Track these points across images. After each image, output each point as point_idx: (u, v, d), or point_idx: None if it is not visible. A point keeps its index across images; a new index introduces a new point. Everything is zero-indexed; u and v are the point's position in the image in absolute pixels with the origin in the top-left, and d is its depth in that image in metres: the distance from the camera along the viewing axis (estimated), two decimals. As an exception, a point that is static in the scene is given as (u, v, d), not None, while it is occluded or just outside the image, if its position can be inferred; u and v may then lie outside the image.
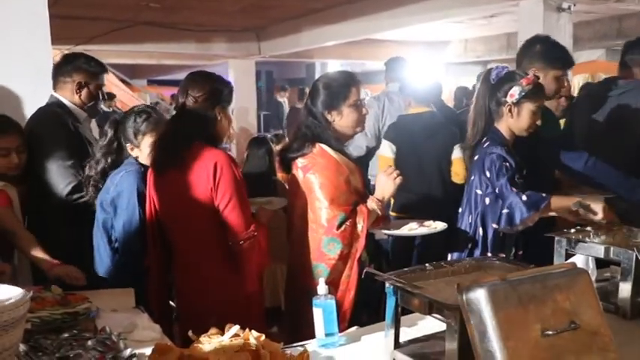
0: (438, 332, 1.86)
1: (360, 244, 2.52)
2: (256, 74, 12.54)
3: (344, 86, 2.60)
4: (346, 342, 1.97)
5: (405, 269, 1.93)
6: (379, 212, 2.58)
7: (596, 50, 3.26)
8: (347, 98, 2.59)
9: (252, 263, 2.43)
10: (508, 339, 1.42)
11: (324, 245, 2.50)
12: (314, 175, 2.53)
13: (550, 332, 1.46)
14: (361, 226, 2.51)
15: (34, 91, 3.40)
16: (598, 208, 2.47)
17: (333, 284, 2.44)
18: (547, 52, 3.01)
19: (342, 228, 2.49)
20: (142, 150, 2.71)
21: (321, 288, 1.95)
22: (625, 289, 2.11)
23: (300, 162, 2.59)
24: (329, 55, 12.46)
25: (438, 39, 12.00)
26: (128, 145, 2.75)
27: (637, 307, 2.10)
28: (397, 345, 1.84)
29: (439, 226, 2.67)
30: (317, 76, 13.69)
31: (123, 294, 2.37)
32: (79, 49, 8.72)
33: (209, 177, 2.33)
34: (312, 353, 1.77)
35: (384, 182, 2.60)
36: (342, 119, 2.60)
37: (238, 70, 11.46)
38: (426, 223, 2.71)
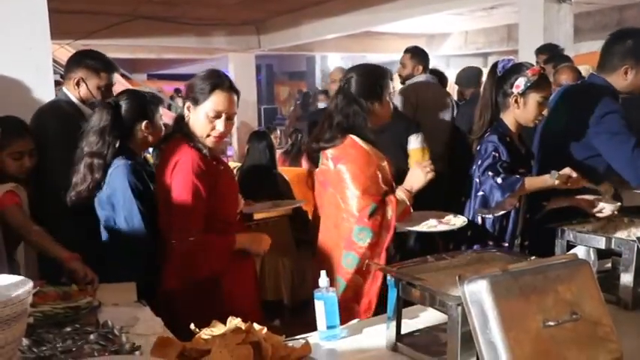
0: (439, 324, 1.87)
1: (390, 233, 2.54)
2: (256, 68, 12.53)
3: (384, 76, 2.68)
4: (348, 334, 1.97)
5: (407, 261, 1.93)
6: (407, 202, 2.59)
7: (597, 41, 3.26)
8: (387, 87, 2.66)
9: (192, 267, 2.37)
10: (509, 330, 1.42)
11: (354, 234, 2.51)
12: (345, 165, 2.56)
13: (551, 323, 1.46)
14: (390, 215, 2.53)
15: (35, 85, 3.40)
16: (569, 171, 2.54)
17: (361, 273, 2.50)
18: None
19: (374, 217, 2.51)
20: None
21: (323, 281, 1.95)
22: (626, 279, 2.11)
23: (330, 153, 2.62)
24: (329, 48, 12.46)
25: (439, 31, 11.99)
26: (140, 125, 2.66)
27: (638, 298, 2.10)
28: (399, 337, 1.84)
29: (458, 222, 2.67)
30: (317, 69, 13.72)
31: (125, 288, 2.37)
32: (79, 44, 8.71)
33: (169, 173, 2.35)
34: (313, 346, 1.77)
35: (417, 174, 2.61)
36: (382, 109, 2.66)
37: (238, 64, 11.45)
38: (445, 219, 2.71)
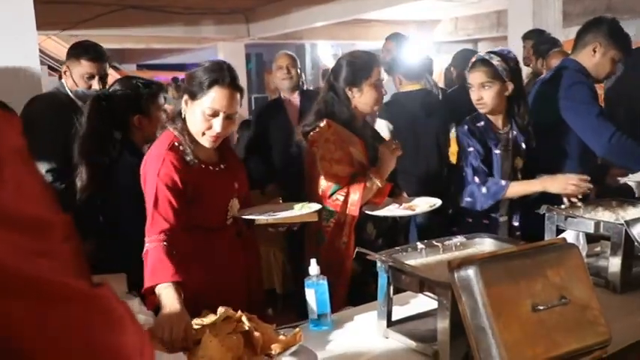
0: (430, 310, 1.88)
1: (354, 212, 2.58)
2: (246, 57, 12.47)
3: (367, 65, 2.69)
4: (339, 322, 1.98)
5: (397, 248, 1.93)
6: (379, 184, 2.60)
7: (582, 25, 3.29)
8: (369, 77, 2.67)
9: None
10: (499, 315, 1.43)
11: (322, 214, 2.57)
12: (316, 148, 2.63)
13: (541, 307, 1.47)
14: (357, 196, 2.57)
15: (22, 76, 3.37)
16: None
17: (332, 250, 2.57)
18: (614, 32, 3.01)
19: (334, 197, 2.59)
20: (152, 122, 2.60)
21: (313, 269, 1.95)
22: (615, 263, 2.12)
23: (311, 136, 2.69)
24: (318, 36, 12.40)
25: (428, 18, 11.95)
26: (135, 119, 2.57)
27: (627, 282, 2.12)
28: (390, 323, 1.85)
29: (423, 208, 2.66)
30: (307, 57, 13.63)
31: (115, 280, 2.36)
32: (66, 34, 8.64)
33: (142, 168, 2.22)
34: (305, 334, 1.77)
35: (384, 153, 2.66)
36: (361, 96, 2.68)
37: (228, 53, 11.38)
38: (411, 204, 2.71)
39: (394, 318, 1.88)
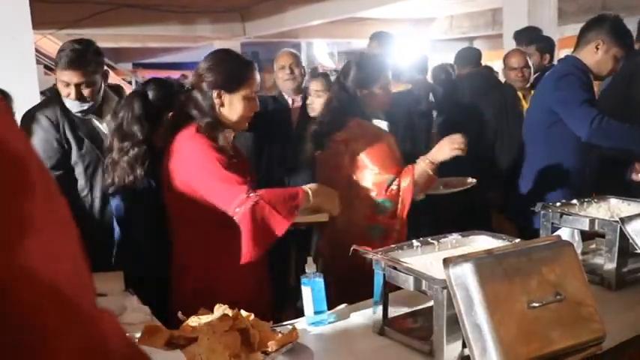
0: (425, 307, 1.88)
1: (407, 199, 2.62)
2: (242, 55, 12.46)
3: (376, 69, 2.77)
4: (335, 319, 1.98)
5: (392, 245, 1.94)
6: (429, 172, 2.62)
7: (581, 24, 3.27)
8: (378, 79, 2.75)
9: (265, 230, 2.18)
10: (494, 312, 1.43)
11: (377, 207, 2.62)
12: (358, 146, 2.66)
13: (536, 304, 1.48)
14: (407, 183, 2.60)
15: (18, 75, 3.37)
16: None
17: (386, 239, 2.57)
18: (617, 30, 3.03)
19: (391, 188, 2.61)
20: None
21: (310, 266, 1.96)
22: (609, 260, 2.13)
23: (338, 137, 2.70)
24: (314, 34, 12.41)
25: (424, 16, 11.97)
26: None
27: (621, 279, 2.13)
28: (386, 321, 1.86)
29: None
30: (303, 56, 13.68)
31: (112, 277, 2.37)
32: (62, 33, 8.62)
33: (184, 163, 2.30)
34: (301, 331, 1.78)
35: (443, 146, 2.62)
36: (372, 98, 2.76)
37: (223, 52, 11.35)
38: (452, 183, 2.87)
39: (390, 315, 1.88)
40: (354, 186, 2.67)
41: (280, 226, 2.09)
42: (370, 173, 2.65)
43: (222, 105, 2.26)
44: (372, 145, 2.66)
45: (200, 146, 2.19)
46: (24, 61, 3.35)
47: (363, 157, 2.65)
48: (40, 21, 3.58)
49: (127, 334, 0.60)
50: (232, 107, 2.27)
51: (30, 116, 2.76)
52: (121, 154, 2.45)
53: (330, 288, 1.99)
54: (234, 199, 2.08)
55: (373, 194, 2.64)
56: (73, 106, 2.72)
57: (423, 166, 2.62)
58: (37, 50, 4.10)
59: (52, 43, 9.42)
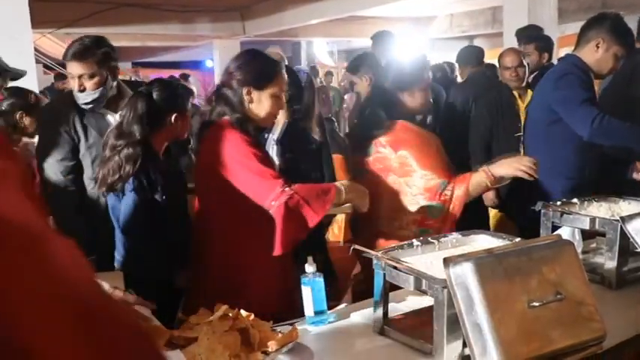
0: (426, 307, 1.88)
1: (458, 208, 2.60)
2: (242, 54, 12.45)
3: (418, 70, 2.76)
4: (335, 319, 1.98)
5: (393, 245, 1.94)
6: (488, 185, 2.60)
7: (582, 22, 3.27)
8: (420, 81, 2.73)
9: (298, 224, 2.28)
10: (495, 311, 1.43)
11: (429, 211, 2.61)
12: (407, 149, 2.64)
13: (536, 303, 1.47)
14: (461, 191, 2.59)
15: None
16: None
17: None
18: (617, 28, 3.03)
19: (444, 193, 2.59)
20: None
21: (309, 266, 1.96)
22: (610, 259, 2.13)
23: (383, 140, 2.69)
24: (314, 33, 12.41)
25: (424, 14, 11.96)
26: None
27: (622, 278, 2.12)
28: (386, 320, 1.85)
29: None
30: (303, 55, 13.63)
31: (112, 277, 2.36)
32: (61, 32, 8.62)
33: (220, 157, 2.36)
34: (301, 331, 1.78)
35: (510, 163, 2.60)
36: (412, 99, 2.73)
37: (223, 51, 11.38)
38: None
39: (390, 314, 1.88)
40: (402, 190, 2.65)
41: (312, 220, 2.19)
42: (420, 177, 2.61)
43: (251, 102, 2.36)
44: (420, 148, 2.65)
45: (235, 140, 2.27)
46: (23, 60, 3.34)
47: (412, 161, 2.62)
48: (39, 20, 3.59)
49: (83, 260, 0.56)
50: (260, 104, 2.36)
51: (45, 109, 2.88)
52: (113, 152, 2.47)
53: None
54: (271, 193, 2.17)
55: (422, 198, 2.61)
56: (79, 98, 2.78)
57: (482, 177, 2.58)
58: (36, 49, 4.10)
59: (52, 42, 9.43)
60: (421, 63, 2.81)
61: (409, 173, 2.62)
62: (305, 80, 3.24)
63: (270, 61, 2.46)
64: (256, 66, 2.41)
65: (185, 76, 11.14)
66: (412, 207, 2.63)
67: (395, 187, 2.66)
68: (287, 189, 2.17)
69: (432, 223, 2.61)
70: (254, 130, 2.38)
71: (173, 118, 2.59)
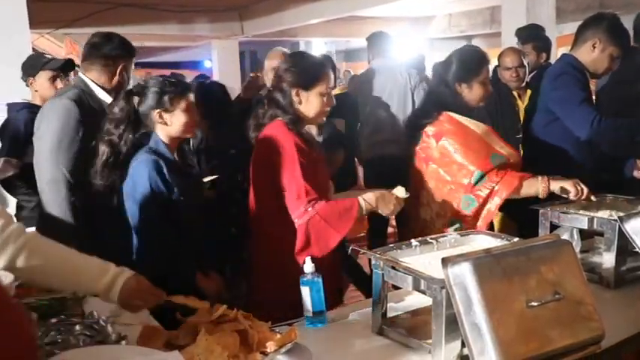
0: (424, 307, 1.88)
1: (493, 204, 2.62)
2: (240, 54, 12.46)
3: (478, 63, 2.79)
4: (334, 320, 1.98)
5: (391, 245, 1.94)
6: (540, 194, 2.59)
7: (580, 22, 3.27)
8: (479, 75, 2.76)
9: (320, 240, 2.41)
10: (493, 311, 1.43)
11: (462, 203, 2.65)
12: (448, 140, 2.69)
13: (535, 303, 1.48)
14: (497, 188, 2.60)
15: (16, 75, 3.36)
16: None
17: None
18: (614, 28, 3.03)
19: (478, 187, 2.62)
20: (176, 116, 2.49)
21: (308, 266, 1.96)
22: (608, 259, 2.13)
23: (429, 130, 2.76)
24: (312, 33, 12.39)
25: (423, 14, 11.95)
26: (155, 113, 2.49)
27: (620, 277, 2.13)
28: (385, 320, 1.85)
29: None
30: (301, 55, 13.48)
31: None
32: (60, 32, 8.61)
33: (270, 156, 2.47)
34: (300, 331, 1.77)
35: (567, 181, 2.59)
36: (471, 92, 2.77)
37: (221, 51, 11.37)
38: None
39: (389, 315, 1.88)
40: (441, 178, 2.70)
41: (333, 240, 2.32)
42: (459, 168, 2.66)
43: (300, 102, 2.46)
44: (460, 139, 2.68)
45: (287, 142, 2.37)
46: (21, 60, 3.34)
47: (452, 152, 2.67)
48: (37, 20, 3.58)
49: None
50: (310, 103, 2.47)
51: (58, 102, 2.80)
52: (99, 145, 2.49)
53: None
54: (296, 210, 2.33)
55: (461, 190, 2.65)
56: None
57: (541, 186, 2.59)
58: (34, 49, 4.10)
59: (50, 42, 9.41)
60: (479, 57, 2.84)
61: (448, 164, 2.67)
62: (220, 91, 3.47)
63: (316, 62, 2.58)
64: (303, 67, 2.50)
65: (183, 78, 11.10)
66: (448, 197, 2.68)
67: (434, 176, 2.73)
68: (310, 209, 2.30)
69: (463, 215, 2.64)
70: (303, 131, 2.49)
71: (156, 114, 2.50)
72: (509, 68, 4.07)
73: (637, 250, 2.05)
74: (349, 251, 2.06)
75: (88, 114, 2.74)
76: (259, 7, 10.16)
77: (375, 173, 4.55)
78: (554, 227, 2.35)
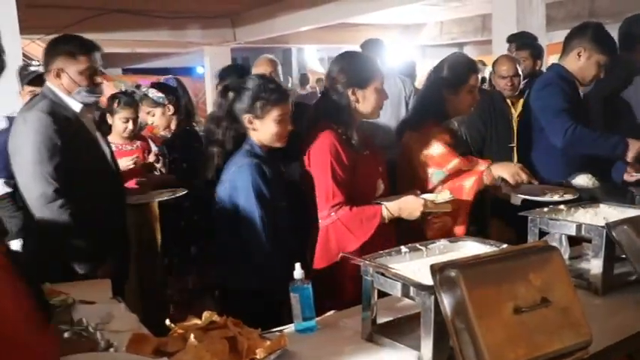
0: (414, 313, 1.88)
1: (465, 200, 2.70)
2: (232, 61, 12.46)
3: (465, 71, 2.84)
4: (324, 326, 1.98)
5: (381, 252, 1.94)
6: (486, 182, 2.71)
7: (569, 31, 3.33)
8: (466, 82, 2.82)
9: (339, 243, 2.53)
10: (482, 317, 1.44)
11: (433, 177, 2.78)
12: (421, 146, 2.80)
13: (523, 309, 1.48)
14: (470, 185, 2.71)
15: (3, 80, 3.35)
16: None
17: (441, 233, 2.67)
18: (599, 37, 3.09)
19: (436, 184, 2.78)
20: (266, 125, 2.43)
21: (297, 273, 1.96)
22: (596, 265, 2.14)
23: (413, 136, 2.84)
24: (304, 40, 12.43)
25: (414, 21, 12.01)
26: (247, 117, 2.42)
27: (608, 283, 2.14)
28: (374, 327, 1.85)
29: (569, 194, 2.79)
30: (294, 61, 13.66)
31: (100, 285, 2.36)
32: (50, 38, 8.57)
33: (310, 156, 2.59)
34: (289, 338, 1.77)
35: (509, 165, 2.75)
36: (458, 100, 2.83)
37: (214, 57, 11.37)
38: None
39: (379, 321, 1.88)
40: (419, 164, 2.80)
41: (351, 245, 2.42)
42: (432, 173, 2.77)
43: (357, 101, 2.55)
44: (429, 145, 2.76)
45: (323, 145, 2.46)
46: (10, 66, 3.33)
47: (423, 158, 2.78)
48: (28, 26, 3.57)
49: None
50: (366, 100, 2.55)
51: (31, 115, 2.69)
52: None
53: None
54: (321, 212, 2.46)
55: (432, 167, 2.76)
56: None
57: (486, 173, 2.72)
58: (25, 55, 4.08)
59: (41, 48, 9.38)
60: (466, 65, 2.87)
61: (420, 166, 2.79)
62: (176, 85, 3.66)
63: (367, 59, 2.65)
64: (356, 66, 2.56)
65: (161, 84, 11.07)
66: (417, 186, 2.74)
67: (413, 163, 2.82)
68: (333, 214, 2.43)
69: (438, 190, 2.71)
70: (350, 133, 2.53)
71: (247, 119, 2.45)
72: (505, 77, 4.08)
73: (624, 256, 2.07)
74: (339, 258, 2.06)
75: (62, 124, 2.64)
76: (252, 14, 10.18)
77: None
78: (543, 234, 2.36)
